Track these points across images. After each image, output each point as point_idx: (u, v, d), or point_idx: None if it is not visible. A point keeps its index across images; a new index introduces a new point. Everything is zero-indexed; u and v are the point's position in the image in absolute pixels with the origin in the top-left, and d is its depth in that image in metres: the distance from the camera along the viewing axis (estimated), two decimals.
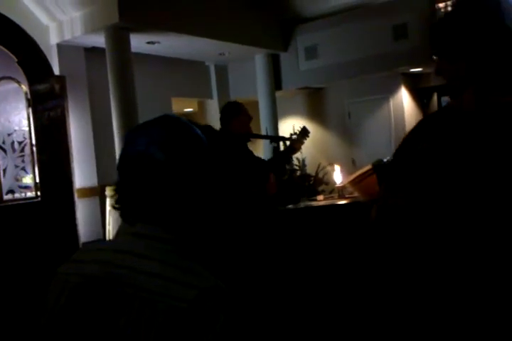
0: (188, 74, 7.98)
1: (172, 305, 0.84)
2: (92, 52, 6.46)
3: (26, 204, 5.78)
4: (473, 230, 1.13)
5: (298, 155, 5.98)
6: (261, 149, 7.29)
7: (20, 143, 5.94)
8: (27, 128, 5.88)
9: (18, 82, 5.86)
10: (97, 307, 0.89)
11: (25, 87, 5.88)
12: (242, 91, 8.44)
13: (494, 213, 1.13)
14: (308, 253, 3.62)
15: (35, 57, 5.90)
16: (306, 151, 6.21)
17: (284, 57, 8.13)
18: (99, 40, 5.99)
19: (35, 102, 5.88)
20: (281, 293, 1.66)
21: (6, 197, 5.74)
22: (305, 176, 7.48)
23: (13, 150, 5.89)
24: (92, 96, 6.43)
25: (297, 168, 7.66)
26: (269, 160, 3.70)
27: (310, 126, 8.71)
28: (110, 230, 5.83)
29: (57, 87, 5.94)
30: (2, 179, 5.67)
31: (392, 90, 7.78)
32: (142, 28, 6.01)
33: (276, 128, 7.94)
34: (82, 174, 6.30)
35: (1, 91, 5.89)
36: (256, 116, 7.26)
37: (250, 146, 3.51)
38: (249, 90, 8.18)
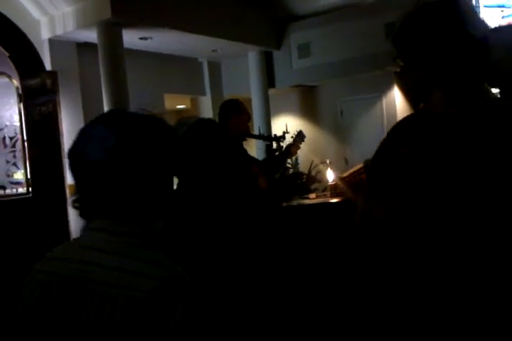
0: (180, 70, 7.95)
1: (131, 296, 0.85)
2: (84, 47, 6.41)
3: (17, 200, 5.75)
4: (463, 229, 1.14)
5: None
6: (254, 147, 7.28)
7: (11, 138, 5.91)
8: (18, 124, 5.84)
9: (9, 77, 5.82)
10: (64, 304, 0.91)
11: (16, 82, 5.84)
12: (235, 89, 8.42)
13: (481, 212, 1.14)
14: (300, 250, 3.63)
15: (26, 52, 5.86)
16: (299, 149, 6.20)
17: (277, 55, 8.12)
18: (92, 36, 5.95)
19: (26, 97, 5.84)
20: (275, 291, 1.66)
21: None
22: (297, 174, 7.48)
23: (5, 145, 5.86)
24: (84, 92, 6.38)
25: (290, 166, 7.66)
26: (263, 160, 3.68)
27: (303, 124, 8.77)
28: None
29: (48, 82, 5.90)
30: None
31: (385, 89, 7.80)
32: (135, 23, 5.97)
33: (269, 126, 7.94)
34: None
35: None
36: (250, 113, 7.25)
37: (245, 145, 3.48)
38: (242, 87, 8.17)
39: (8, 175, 5.99)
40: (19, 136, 5.85)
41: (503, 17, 6.37)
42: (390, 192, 1.18)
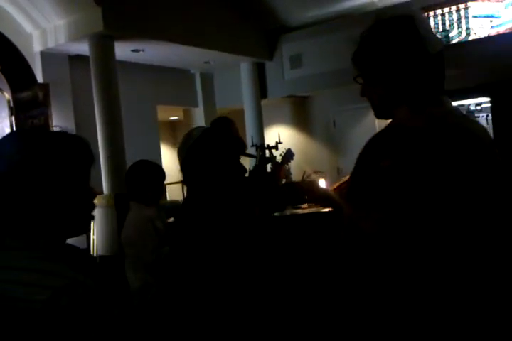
0: (173, 82, 7.97)
1: (27, 307, 0.88)
2: (76, 59, 6.42)
3: None
4: (452, 236, 1.14)
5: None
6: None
7: None
8: None
9: (1, 90, 5.81)
10: None
11: (7, 95, 5.83)
12: (227, 100, 8.45)
13: (470, 220, 1.15)
14: (294, 257, 3.63)
15: (18, 65, 5.86)
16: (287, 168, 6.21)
17: (269, 66, 8.16)
18: (84, 48, 5.96)
19: (18, 110, 5.83)
20: (269, 296, 1.66)
21: None
22: (291, 184, 7.48)
23: None
24: (76, 104, 6.37)
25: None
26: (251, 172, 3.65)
27: (295, 134, 8.79)
28: (94, 239, 5.76)
29: (40, 94, 5.89)
30: None
31: None
32: (127, 36, 5.99)
33: (261, 137, 7.95)
34: None
35: None
36: (241, 124, 7.26)
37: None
38: (235, 98, 8.20)
39: None
40: None
41: (492, 26, 6.44)
42: (376, 205, 1.19)
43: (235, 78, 8.14)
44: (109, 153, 5.80)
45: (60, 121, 6.17)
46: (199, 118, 8.40)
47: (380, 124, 8.87)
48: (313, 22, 7.58)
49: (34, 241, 0.98)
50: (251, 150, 6.37)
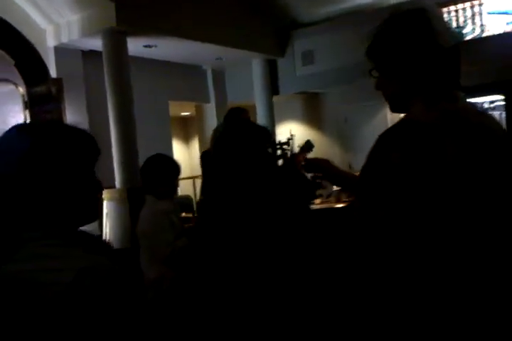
0: (185, 78, 7.99)
1: (56, 291, 0.91)
2: (89, 55, 6.45)
3: None
4: (460, 230, 1.15)
5: None
6: None
7: None
8: None
9: (15, 84, 5.86)
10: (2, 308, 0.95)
11: (22, 90, 5.87)
12: (239, 96, 8.45)
13: (478, 215, 1.15)
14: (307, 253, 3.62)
15: (32, 60, 5.90)
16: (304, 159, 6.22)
17: (281, 63, 8.15)
18: (97, 44, 5.99)
19: (32, 105, 5.87)
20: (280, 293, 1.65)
21: None
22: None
23: None
24: (89, 99, 6.41)
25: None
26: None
27: (307, 131, 8.77)
28: (107, 232, 5.81)
29: (54, 89, 5.93)
30: None
31: None
32: (139, 31, 6.02)
33: (273, 133, 7.95)
34: None
35: None
36: (253, 120, 7.26)
37: None
38: (247, 95, 8.20)
39: None
40: None
41: (507, 23, 6.38)
42: (385, 197, 1.19)
43: (246, 74, 8.13)
44: (122, 147, 5.84)
45: (73, 115, 6.22)
46: (211, 114, 8.42)
47: (392, 121, 8.81)
48: (325, 18, 7.56)
49: (50, 230, 1.02)
50: None
